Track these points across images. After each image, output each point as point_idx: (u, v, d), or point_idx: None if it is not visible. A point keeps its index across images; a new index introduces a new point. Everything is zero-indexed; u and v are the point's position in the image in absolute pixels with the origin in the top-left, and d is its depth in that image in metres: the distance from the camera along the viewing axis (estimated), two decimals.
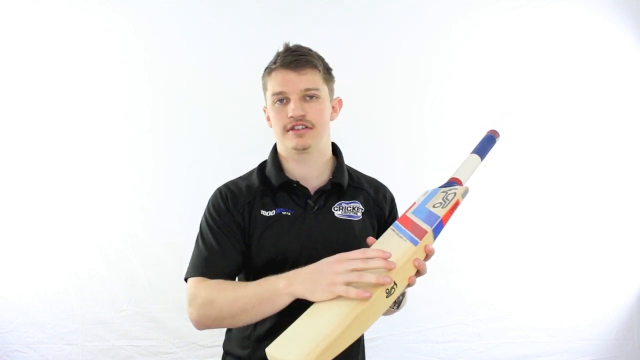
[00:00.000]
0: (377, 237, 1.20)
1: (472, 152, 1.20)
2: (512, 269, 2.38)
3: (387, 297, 0.90)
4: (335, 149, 1.28)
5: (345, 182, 1.22)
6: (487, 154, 1.23)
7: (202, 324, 1.07)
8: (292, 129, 1.14)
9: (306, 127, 1.14)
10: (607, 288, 2.42)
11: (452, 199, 1.03)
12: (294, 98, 1.13)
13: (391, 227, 1.03)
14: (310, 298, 0.89)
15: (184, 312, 1.17)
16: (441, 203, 1.03)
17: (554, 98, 2.41)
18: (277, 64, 1.14)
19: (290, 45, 1.18)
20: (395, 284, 0.90)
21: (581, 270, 2.40)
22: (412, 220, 1.02)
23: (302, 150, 1.15)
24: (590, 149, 2.42)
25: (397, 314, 1.25)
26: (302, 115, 1.12)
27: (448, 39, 2.38)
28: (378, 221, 1.25)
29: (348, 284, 0.87)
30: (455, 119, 2.36)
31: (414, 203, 1.07)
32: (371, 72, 2.34)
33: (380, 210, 1.26)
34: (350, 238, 1.17)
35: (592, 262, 2.41)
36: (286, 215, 1.17)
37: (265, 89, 1.20)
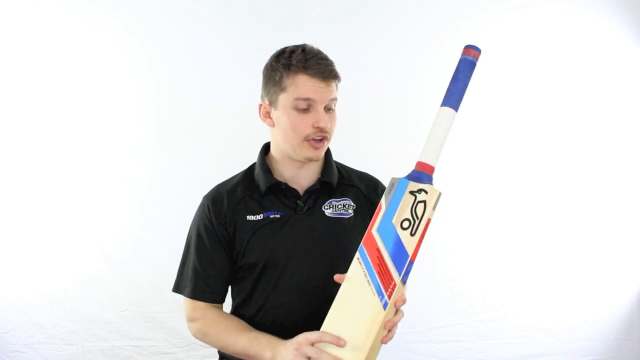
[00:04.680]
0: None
1: (442, 105, 1.04)
2: (512, 269, 2.38)
3: None
4: None
5: (335, 180, 1.20)
6: (462, 96, 1.04)
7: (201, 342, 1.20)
8: (313, 139, 1.11)
9: (323, 139, 1.12)
10: (607, 288, 2.41)
11: (421, 218, 0.95)
12: (320, 108, 1.09)
13: (356, 255, 0.99)
14: None
15: (184, 313, 1.20)
16: (409, 221, 0.96)
17: (554, 98, 2.41)
18: (307, 70, 1.08)
19: (314, 48, 1.13)
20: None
21: (581, 270, 2.40)
22: (379, 253, 0.96)
23: (315, 160, 1.15)
24: (590, 149, 2.42)
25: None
26: (328, 127, 1.11)
27: (448, 39, 2.37)
28: (371, 216, 1.22)
29: None
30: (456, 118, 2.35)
31: (380, 206, 1.01)
32: (371, 72, 2.34)
33: (372, 205, 1.20)
34: (341, 236, 1.15)
35: (592, 262, 2.41)
36: (275, 218, 1.15)
37: (279, 86, 1.10)
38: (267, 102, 1.16)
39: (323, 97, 1.09)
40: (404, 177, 1.02)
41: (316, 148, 1.11)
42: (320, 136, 1.11)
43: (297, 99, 1.08)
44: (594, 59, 2.40)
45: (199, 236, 1.19)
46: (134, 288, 2.28)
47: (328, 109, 1.11)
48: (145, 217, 2.30)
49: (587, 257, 2.40)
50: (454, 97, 1.04)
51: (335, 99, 1.12)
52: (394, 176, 1.03)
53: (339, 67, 1.14)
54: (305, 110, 1.09)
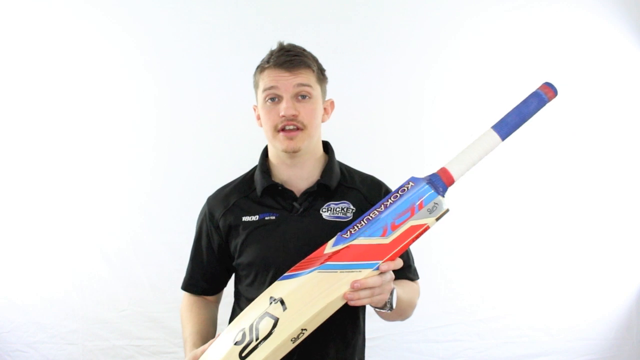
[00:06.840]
0: None
1: (493, 127, 1.03)
2: (511, 268, 2.38)
3: (292, 343, 0.93)
4: (327, 148, 1.25)
5: (334, 182, 1.19)
6: (516, 129, 1.00)
7: None
8: (283, 129, 1.11)
9: (297, 129, 1.11)
10: (607, 288, 2.41)
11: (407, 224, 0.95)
12: (286, 97, 1.10)
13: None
14: None
15: None
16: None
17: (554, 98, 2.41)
18: (271, 63, 1.12)
19: (285, 44, 1.16)
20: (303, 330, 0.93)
21: (581, 270, 2.40)
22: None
23: (293, 153, 1.13)
24: (590, 149, 2.42)
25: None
26: (294, 115, 1.10)
27: (448, 40, 2.38)
28: None
29: None
30: (455, 119, 2.35)
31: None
32: (372, 72, 2.34)
33: None
34: None
35: (591, 262, 2.41)
36: (270, 219, 1.16)
37: (256, 86, 1.18)
38: (256, 104, 1.21)
39: (287, 85, 1.10)
40: (430, 189, 0.98)
41: (290, 138, 1.11)
42: (291, 125, 1.11)
43: (264, 90, 1.13)
44: (594, 59, 2.40)
45: (198, 235, 1.26)
46: (134, 288, 2.28)
47: (302, 97, 1.12)
48: (145, 217, 2.30)
49: (587, 257, 2.41)
50: (507, 127, 1.02)
51: (306, 85, 1.12)
52: (414, 176, 1.04)
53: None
54: (275, 101, 1.12)
